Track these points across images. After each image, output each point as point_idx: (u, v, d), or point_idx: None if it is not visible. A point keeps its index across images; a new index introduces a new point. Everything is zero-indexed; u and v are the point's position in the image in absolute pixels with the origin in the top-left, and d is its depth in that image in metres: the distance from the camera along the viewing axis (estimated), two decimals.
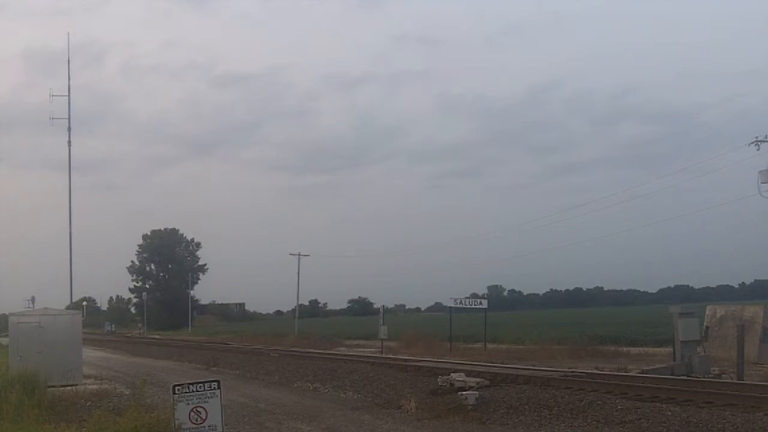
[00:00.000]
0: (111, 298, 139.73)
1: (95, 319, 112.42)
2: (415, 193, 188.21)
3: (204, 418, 10.03)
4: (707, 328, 28.04)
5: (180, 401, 10.00)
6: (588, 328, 46.64)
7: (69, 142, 36.34)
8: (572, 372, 20.25)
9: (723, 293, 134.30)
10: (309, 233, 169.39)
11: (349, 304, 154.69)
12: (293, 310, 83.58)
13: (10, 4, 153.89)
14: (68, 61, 37.24)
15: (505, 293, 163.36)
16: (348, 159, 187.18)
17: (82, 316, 28.47)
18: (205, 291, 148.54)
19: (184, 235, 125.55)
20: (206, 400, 10.12)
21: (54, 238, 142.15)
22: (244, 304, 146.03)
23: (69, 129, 36.33)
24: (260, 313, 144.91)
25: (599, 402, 14.64)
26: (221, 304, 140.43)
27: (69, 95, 36.53)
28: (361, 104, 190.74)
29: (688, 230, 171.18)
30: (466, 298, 45.21)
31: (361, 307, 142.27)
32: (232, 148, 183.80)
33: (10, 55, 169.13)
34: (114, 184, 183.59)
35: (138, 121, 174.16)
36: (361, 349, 40.10)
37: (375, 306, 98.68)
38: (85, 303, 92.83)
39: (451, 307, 43.95)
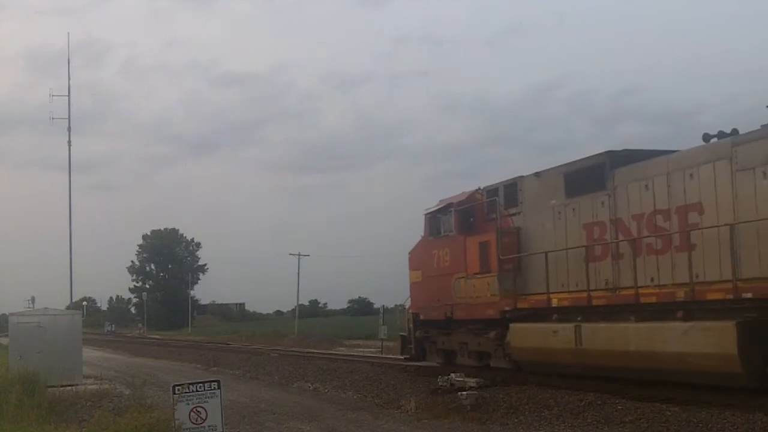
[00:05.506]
0: (111, 298, 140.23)
1: (95, 319, 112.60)
2: (416, 192, 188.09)
3: (204, 418, 10.03)
4: None
5: (180, 401, 10.00)
6: None
7: (69, 142, 36.40)
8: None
9: None
10: (309, 233, 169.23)
11: (349, 304, 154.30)
12: (293, 310, 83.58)
13: (10, 4, 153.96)
14: (68, 60, 37.32)
15: None
16: (348, 159, 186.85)
17: (82, 316, 28.47)
18: (205, 291, 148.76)
19: (184, 235, 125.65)
20: (206, 400, 10.11)
21: (54, 238, 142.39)
22: (244, 304, 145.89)
23: (69, 129, 36.39)
24: (260, 313, 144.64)
25: (599, 402, 14.61)
26: (221, 304, 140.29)
27: (69, 95, 36.61)
28: (362, 104, 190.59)
29: None
30: None
31: (361, 307, 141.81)
32: (232, 148, 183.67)
33: (10, 55, 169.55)
34: (114, 184, 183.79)
35: (138, 121, 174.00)
36: (361, 349, 40.05)
37: (375, 306, 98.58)
38: (85, 303, 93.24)
39: None
